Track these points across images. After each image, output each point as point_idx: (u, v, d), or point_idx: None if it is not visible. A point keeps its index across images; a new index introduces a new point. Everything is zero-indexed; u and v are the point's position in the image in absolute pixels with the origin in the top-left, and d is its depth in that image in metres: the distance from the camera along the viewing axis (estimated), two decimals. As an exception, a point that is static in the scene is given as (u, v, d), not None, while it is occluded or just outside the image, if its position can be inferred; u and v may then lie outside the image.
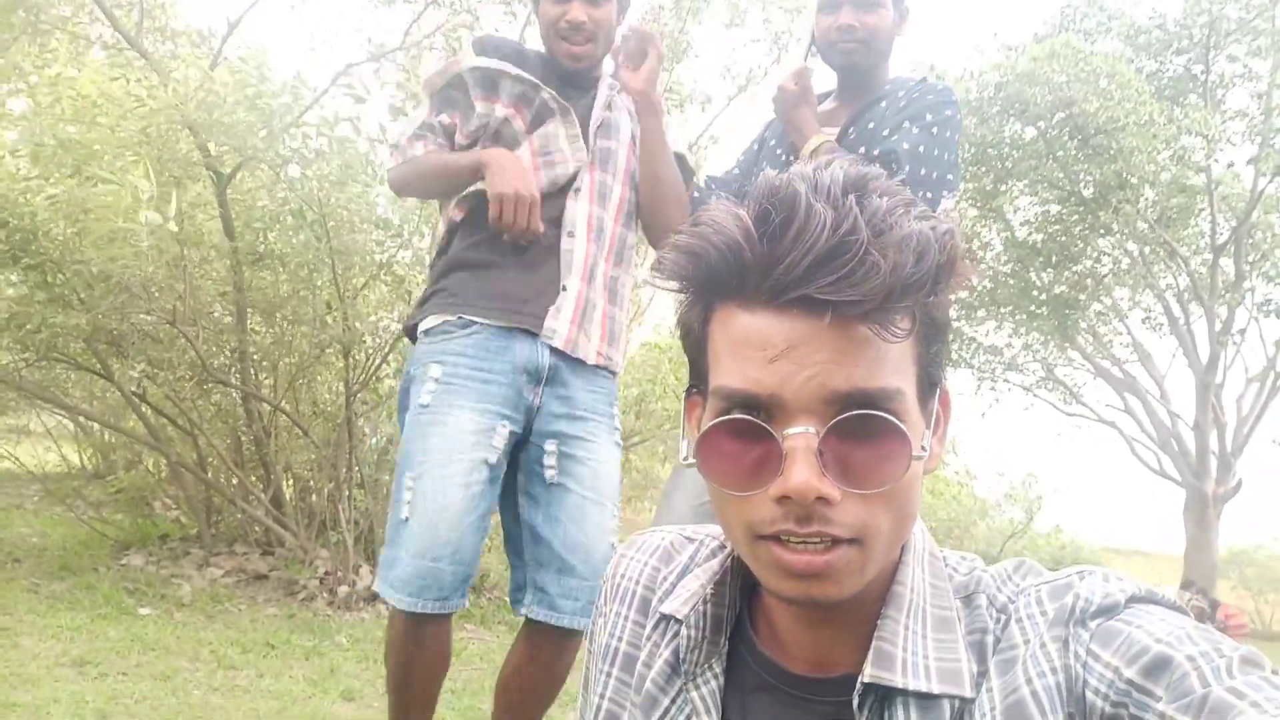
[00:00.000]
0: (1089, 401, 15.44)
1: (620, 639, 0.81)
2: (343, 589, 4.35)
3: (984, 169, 12.80)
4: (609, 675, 0.81)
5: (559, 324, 1.80)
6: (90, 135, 3.70)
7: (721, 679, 0.74)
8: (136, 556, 4.55)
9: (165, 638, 3.40)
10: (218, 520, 5.00)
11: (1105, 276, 13.86)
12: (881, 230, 0.59)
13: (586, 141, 1.88)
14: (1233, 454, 13.56)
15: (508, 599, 1.93)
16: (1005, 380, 15.36)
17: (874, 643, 0.66)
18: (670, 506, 1.99)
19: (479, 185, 1.81)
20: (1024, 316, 13.67)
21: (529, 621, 1.81)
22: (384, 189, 4.28)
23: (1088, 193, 12.26)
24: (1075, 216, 12.94)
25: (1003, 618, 0.66)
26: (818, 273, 0.58)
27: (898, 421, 0.61)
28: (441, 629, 1.74)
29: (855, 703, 0.66)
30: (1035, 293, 13.74)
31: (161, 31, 6.40)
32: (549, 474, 1.78)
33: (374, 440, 4.90)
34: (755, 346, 0.62)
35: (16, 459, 5.57)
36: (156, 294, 4.35)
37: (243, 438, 4.95)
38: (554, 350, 1.80)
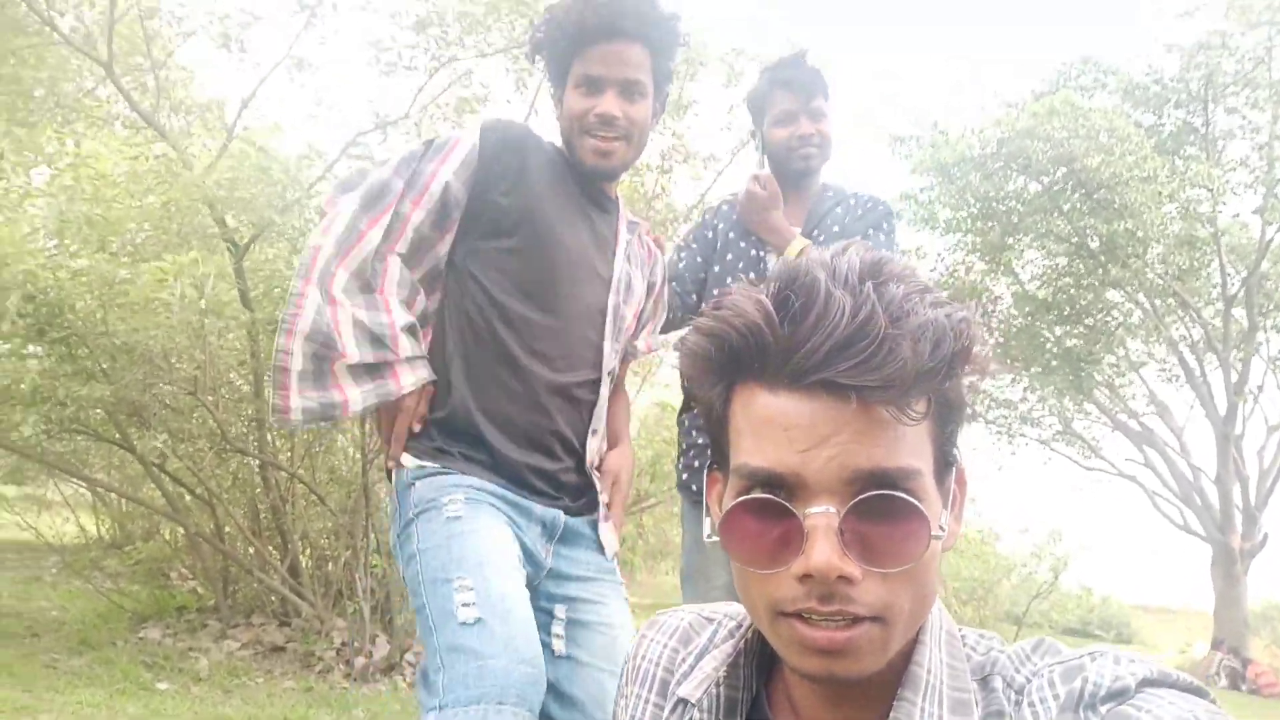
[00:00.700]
0: (1108, 455, 15.21)
1: None
2: (359, 660, 4.30)
3: (990, 223, 12.89)
4: None
5: (607, 538, 1.67)
6: (112, 212, 3.82)
7: None
8: (154, 629, 4.54)
9: (183, 713, 3.38)
10: (234, 590, 4.99)
11: (1116, 329, 13.80)
12: (899, 316, 0.61)
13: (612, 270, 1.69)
14: (1257, 507, 13.27)
15: None
16: (1022, 435, 15.19)
17: None
18: (707, 578, 2.02)
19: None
20: (1038, 370, 13.58)
21: None
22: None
23: (1095, 245, 12.28)
24: (1084, 270, 12.95)
25: (1020, 699, 0.66)
26: (837, 358, 0.60)
27: (916, 501, 0.62)
28: None
29: None
30: (1049, 346, 13.69)
31: (176, 108, 6.59)
32: (556, 645, 1.56)
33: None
34: (778, 427, 0.63)
35: (35, 530, 5.59)
36: (177, 363, 4.42)
37: (260, 507, 4.96)
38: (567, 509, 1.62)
